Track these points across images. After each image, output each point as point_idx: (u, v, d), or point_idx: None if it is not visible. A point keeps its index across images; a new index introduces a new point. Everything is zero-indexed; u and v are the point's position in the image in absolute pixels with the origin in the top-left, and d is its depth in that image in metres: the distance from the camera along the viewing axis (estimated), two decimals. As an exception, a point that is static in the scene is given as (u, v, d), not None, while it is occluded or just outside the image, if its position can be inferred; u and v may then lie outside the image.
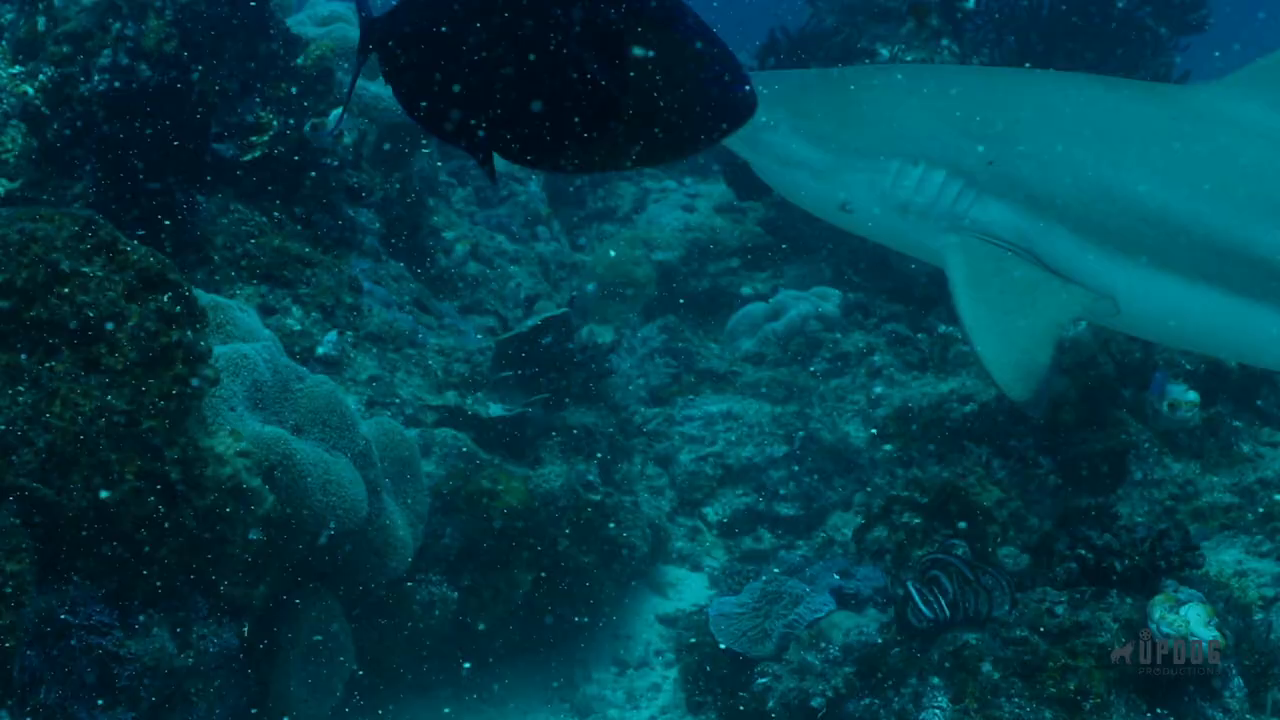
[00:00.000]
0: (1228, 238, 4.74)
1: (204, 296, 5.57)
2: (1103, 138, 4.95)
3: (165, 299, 5.07)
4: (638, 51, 2.63)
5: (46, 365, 4.84)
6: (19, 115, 7.03)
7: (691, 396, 9.50)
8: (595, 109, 2.68)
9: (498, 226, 12.13)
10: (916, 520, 6.65)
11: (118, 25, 6.69)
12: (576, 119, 2.71)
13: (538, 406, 7.25)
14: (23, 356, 4.83)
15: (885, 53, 11.35)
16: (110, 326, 4.92)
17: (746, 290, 12.02)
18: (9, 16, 8.28)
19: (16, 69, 6.89)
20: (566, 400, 7.57)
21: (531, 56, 2.68)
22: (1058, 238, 4.81)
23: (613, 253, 12.44)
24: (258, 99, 7.17)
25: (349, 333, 6.99)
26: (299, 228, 7.25)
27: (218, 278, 6.88)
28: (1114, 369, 7.64)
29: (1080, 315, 5.07)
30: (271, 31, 7.55)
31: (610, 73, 2.66)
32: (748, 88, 2.69)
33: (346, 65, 8.74)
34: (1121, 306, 4.89)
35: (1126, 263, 4.77)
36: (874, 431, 8.73)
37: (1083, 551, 5.73)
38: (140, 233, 6.71)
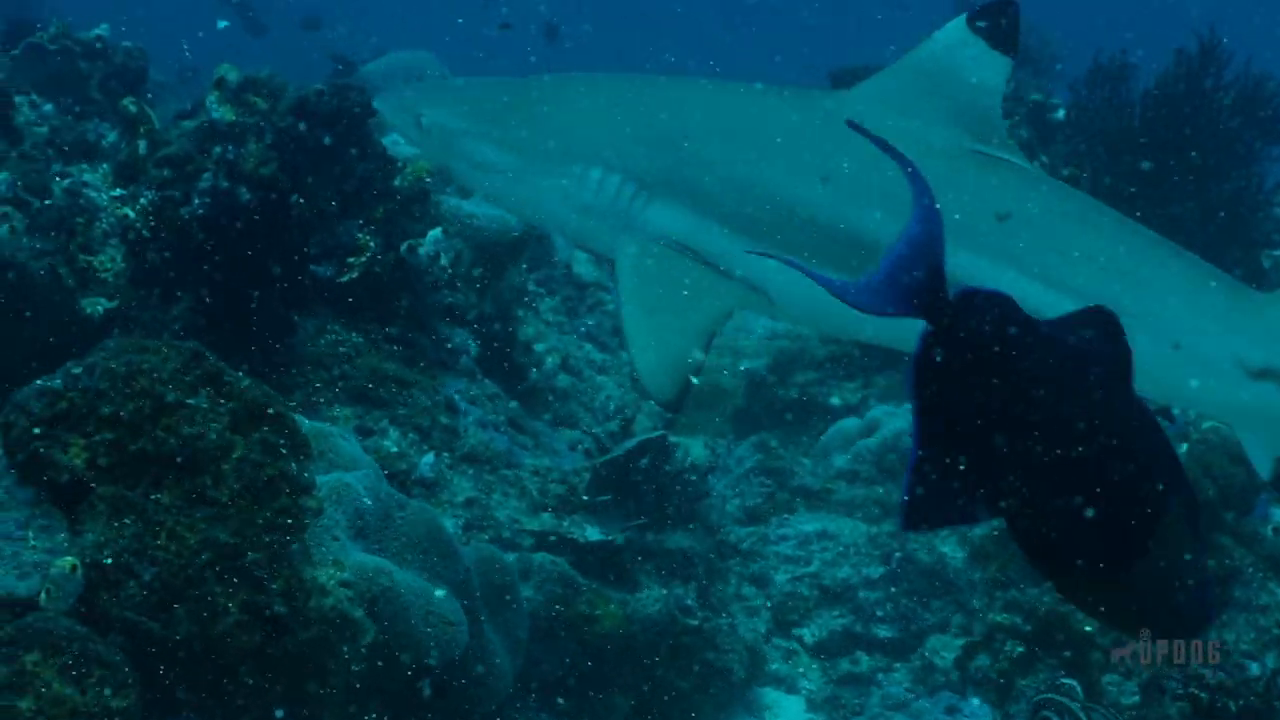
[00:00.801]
0: (859, 231, 4.99)
1: (306, 424, 5.55)
2: (752, 141, 5.24)
3: (270, 431, 5.05)
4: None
5: (152, 498, 4.83)
6: (119, 236, 7.09)
7: (786, 515, 9.41)
8: (1099, 546, 2.71)
9: (586, 335, 12.14)
10: (1020, 649, 6.53)
11: (218, 149, 6.74)
12: (1081, 543, 2.72)
13: (635, 530, 7.18)
14: (129, 489, 4.83)
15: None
16: (215, 459, 4.91)
17: (835, 400, 11.92)
18: (111, 139, 8.41)
19: (118, 191, 6.96)
20: (664, 523, 7.50)
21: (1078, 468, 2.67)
22: (719, 236, 5.09)
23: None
24: (355, 220, 7.20)
25: (445, 454, 6.97)
26: (395, 348, 7.26)
27: (315, 399, 6.88)
28: (1216, 493, 7.50)
29: (736, 308, 5.27)
30: (369, 152, 7.60)
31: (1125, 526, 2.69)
32: (1211, 610, 2.76)
33: (448, 188, 8.80)
34: (775, 299, 5.18)
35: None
36: (971, 552, 8.59)
37: (1195, 690, 5.58)
38: (239, 354, 6.74)
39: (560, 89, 5.69)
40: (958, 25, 5.24)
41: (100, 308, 7.54)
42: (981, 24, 5.19)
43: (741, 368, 12.51)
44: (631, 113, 5.38)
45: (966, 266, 4.96)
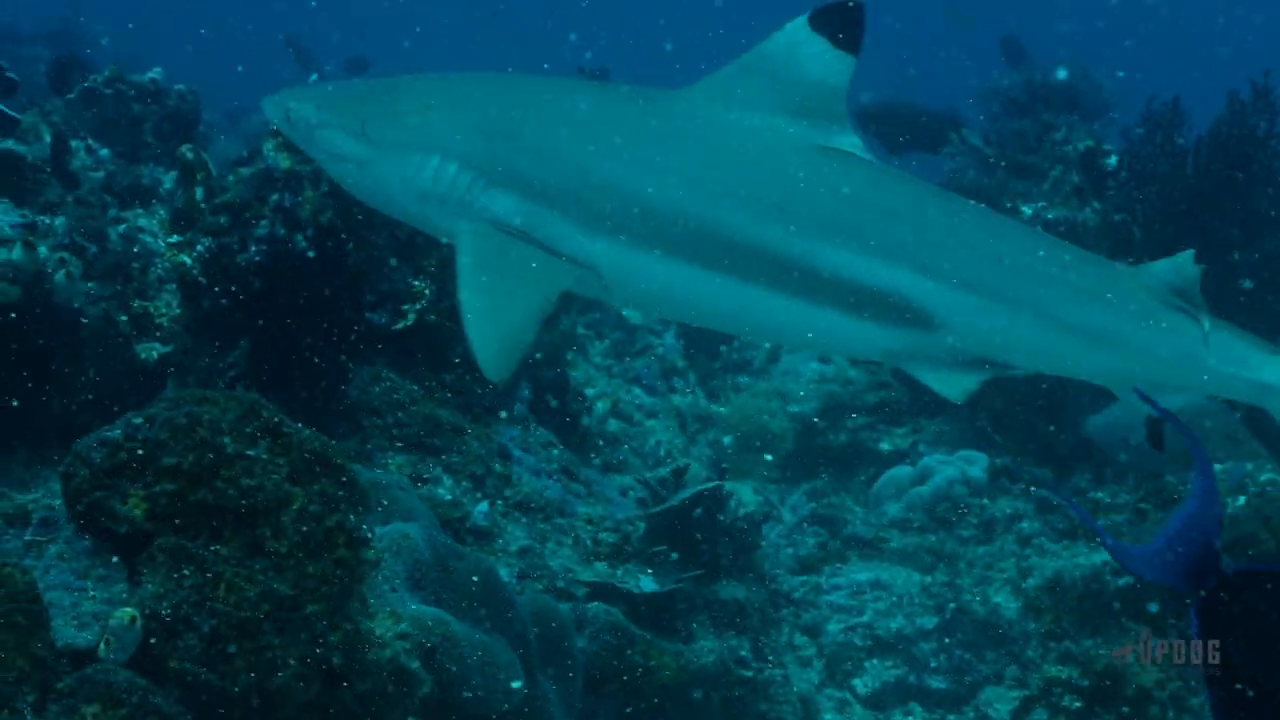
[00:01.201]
0: (686, 215, 5.25)
1: (364, 474, 5.54)
2: (589, 134, 5.45)
3: (329, 482, 5.05)
4: None
5: (212, 549, 4.82)
6: (175, 282, 7.12)
7: (839, 564, 9.36)
8: None
9: (635, 379, 12.14)
10: (1077, 704, 6.47)
11: (275, 196, 6.76)
12: None
13: (689, 581, 7.14)
14: (188, 540, 4.83)
15: (1028, 210, 11.27)
16: (275, 510, 4.90)
17: (885, 446, 11.90)
18: (168, 186, 8.45)
19: (175, 238, 6.98)
20: (717, 573, 7.46)
21: None
22: (553, 222, 5.29)
23: (748, 405, 12.37)
24: (410, 267, 7.20)
25: (499, 502, 6.95)
26: (449, 395, 7.26)
27: (370, 446, 6.88)
28: (1275, 545, 7.42)
29: (567, 288, 5.44)
30: (425, 200, 7.60)
31: None
32: None
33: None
34: (607, 280, 5.36)
35: (608, 241, 5.25)
36: (1025, 603, 8.54)
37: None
38: (293, 401, 6.75)
39: (414, 84, 5.88)
40: (799, 24, 5.38)
41: (155, 353, 7.58)
42: (825, 23, 5.34)
43: (791, 411, 12.48)
44: (474, 105, 5.63)
45: (817, 254, 5.25)
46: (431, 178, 5.41)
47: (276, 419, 5.09)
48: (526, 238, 5.32)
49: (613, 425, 10.23)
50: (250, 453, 4.95)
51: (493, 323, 5.20)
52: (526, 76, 6.05)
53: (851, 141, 5.47)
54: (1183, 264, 5.33)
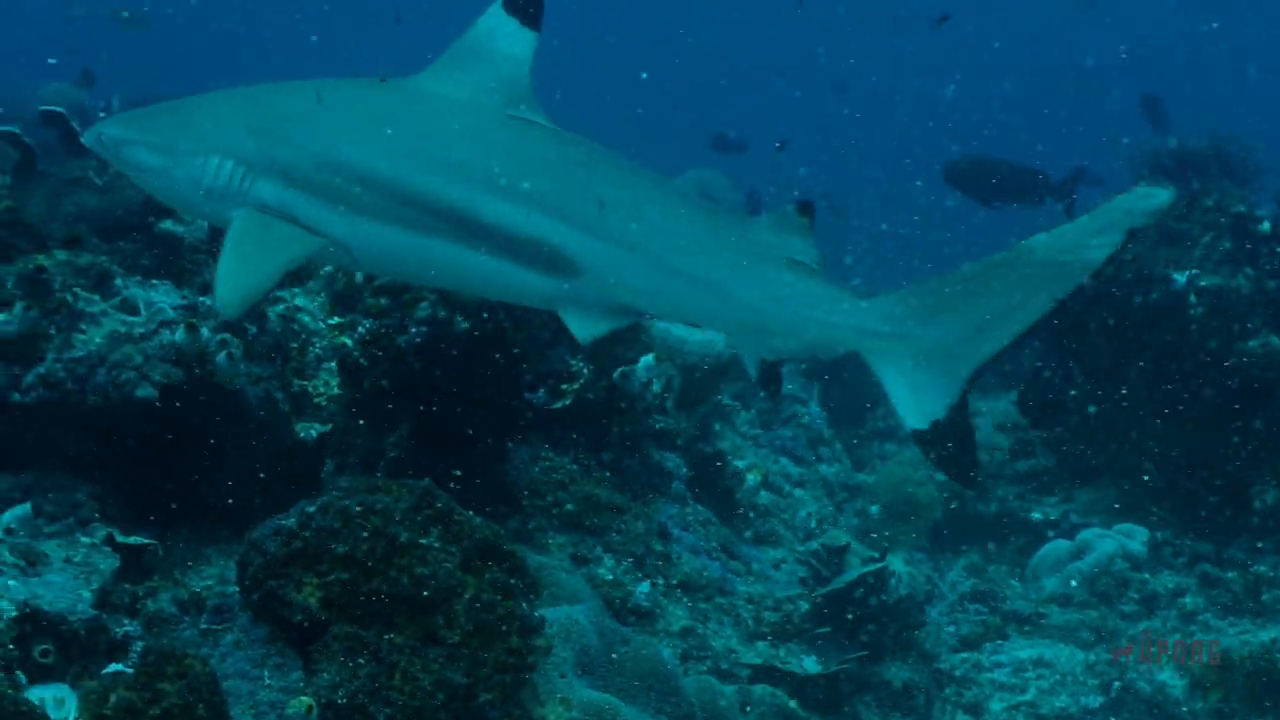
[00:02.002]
0: (400, 184, 5.83)
1: (531, 558, 5.53)
2: (329, 122, 6.07)
3: (500, 570, 5.05)
4: None
5: (386, 637, 4.83)
6: (337, 364, 7.17)
7: (999, 641, 9.18)
8: None
9: (781, 449, 12.08)
10: (1247, 783, 6.29)
11: (436, 277, 6.80)
12: None
13: (853, 662, 7.04)
14: (363, 629, 4.84)
15: (1180, 278, 11.06)
16: (448, 599, 4.89)
17: (1036, 515, 11.73)
18: (328, 269, 8.54)
19: (335, 319, 7.04)
20: (881, 653, 7.35)
21: None
22: (303, 201, 5.90)
23: (895, 474, 12.26)
24: (567, 346, 7.21)
25: (660, 581, 6.90)
26: (608, 474, 7.24)
27: (531, 526, 6.88)
28: None
29: (312, 256, 6.05)
30: (581, 279, 7.63)
31: None
32: None
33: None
34: (356, 253, 5.96)
35: (345, 214, 5.84)
36: (1191, 681, 8.33)
37: None
38: (453, 481, 6.76)
39: (206, 99, 6.48)
40: (496, 8, 6.04)
41: (314, 432, 7.64)
42: (514, 6, 6.01)
43: (939, 479, 12.34)
44: (246, 110, 6.25)
45: (493, 211, 5.79)
46: (213, 176, 5.98)
47: (448, 507, 5.10)
48: (286, 216, 5.93)
49: (763, 497, 10.16)
50: (423, 541, 4.96)
51: (237, 278, 5.78)
52: (299, 81, 6.48)
53: (534, 109, 6.07)
54: (789, 216, 5.69)
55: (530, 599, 5.08)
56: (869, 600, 7.41)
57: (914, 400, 5.44)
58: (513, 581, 5.04)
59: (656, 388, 7.66)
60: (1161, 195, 5.02)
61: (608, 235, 5.73)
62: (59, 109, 8.51)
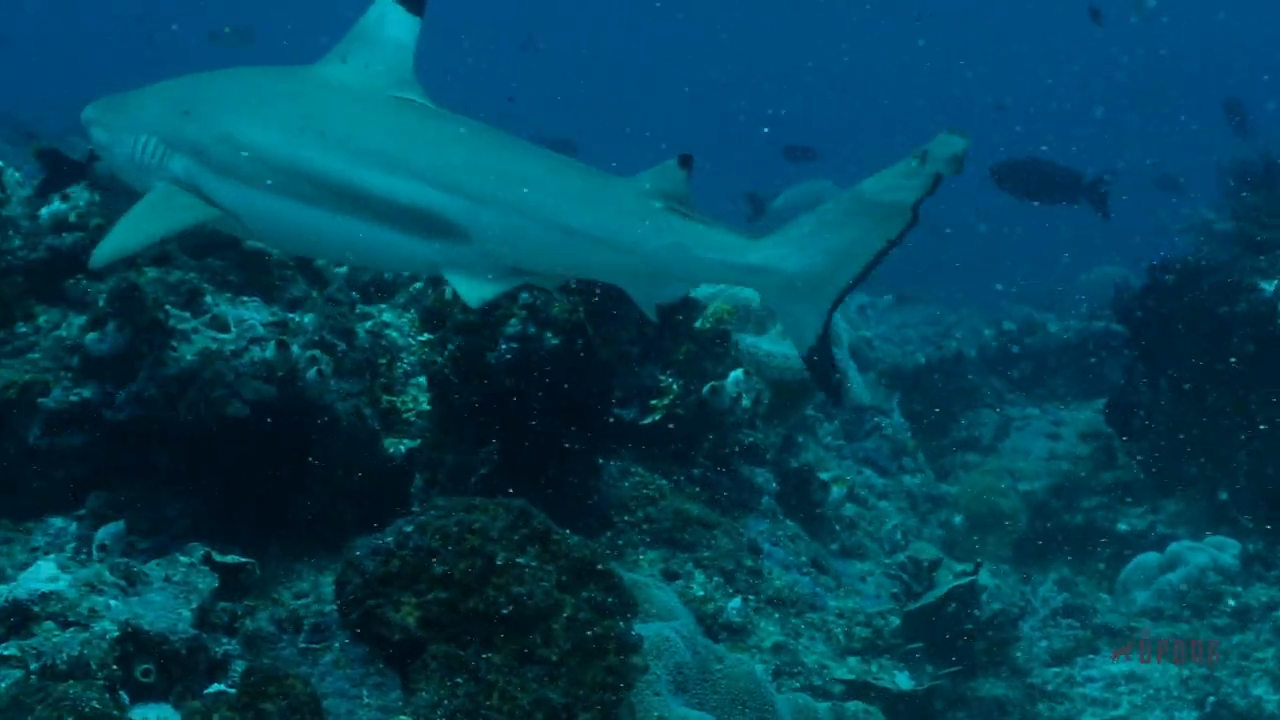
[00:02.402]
0: (284, 158, 6.23)
1: (625, 576, 5.51)
2: (232, 103, 6.56)
3: (597, 589, 5.03)
4: None
5: (484, 656, 4.82)
6: (427, 380, 7.20)
7: (1090, 655, 9.09)
8: None
9: (865, 460, 12.03)
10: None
11: (525, 295, 6.80)
12: None
13: (947, 678, 6.99)
14: (461, 648, 4.84)
15: (1269, 287, 10.93)
16: (545, 618, 4.89)
17: (1123, 527, 11.64)
18: (418, 285, 8.58)
19: (426, 336, 7.06)
20: (974, 669, 7.29)
21: None
22: (207, 177, 6.38)
23: (978, 484, 12.18)
24: (657, 362, 7.20)
25: (751, 597, 6.88)
26: (697, 489, 7.21)
27: (621, 542, 6.87)
28: None
29: (203, 222, 6.54)
30: (671, 294, 7.63)
31: None
32: None
33: (746, 326, 8.81)
34: (246, 223, 6.47)
35: (247, 190, 6.28)
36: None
37: None
38: (544, 498, 6.76)
39: (154, 85, 6.97)
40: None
41: (403, 447, 7.68)
42: None
43: (1022, 489, 12.26)
44: (176, 94, 6.76)
45: (377, 183, 6.10)
46: (140, 152, 6.55)
47: (545, 526, 5.09)
48: (192, 189, 6.42)
49: (849, 509, 10.11)
50: (520, 560, 4.95)
51: (118, 237, 6.32)
52: (229, 69, 6.96)
53: (416, 89, 6.41)
54: (669, 170, 5.94)
55: (627, 617, 5.06)
56: (961, 615, 7.35)
57: (798, 327, 5.81)
58: (610, 600, 5.02)
59: (746, 402, 7.64)
60: (958, 142, 5.25)
61: (494, 200, 6.02)
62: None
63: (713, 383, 7.38)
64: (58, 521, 7.13)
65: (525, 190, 6.03)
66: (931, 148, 5.27)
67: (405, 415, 7.84)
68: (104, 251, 6.25)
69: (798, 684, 6.64)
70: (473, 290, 6.11)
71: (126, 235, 6.35)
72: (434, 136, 6.33)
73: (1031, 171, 15.11)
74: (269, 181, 6.27)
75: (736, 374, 7.54)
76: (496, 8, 57.04)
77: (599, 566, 5.08)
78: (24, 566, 6.70)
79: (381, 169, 6.14)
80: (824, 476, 9.79)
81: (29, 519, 7.19)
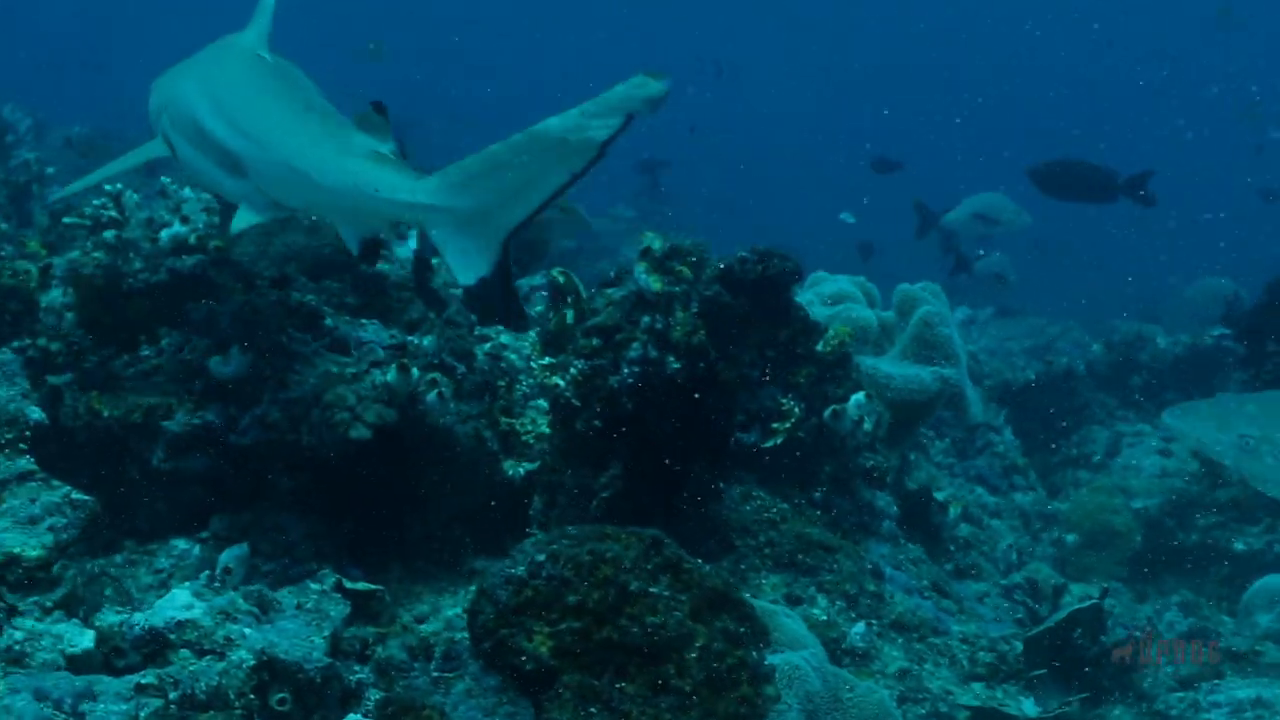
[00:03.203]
0: (189, 115, 7.17)
1: (755, 604, 5.48)
2: (191, 73, 7.49)
3: (730, 619, 5.01)
4: None
5: (617, 686, 4.81)
6: (550, 405, 7.20)
7: (1216, 680, 8.92)
8: None
9: (976, 478, 11.93)
10: None
11: (646, 319, 6.77)
12: None
13: (1075, 704, 6.89)
14: (594, 678, 4.82)
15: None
16: (678, 648, 4.87)
17: (1239, 546, 11.45)
18: (539, 309, 8.59)
19: (547, 359, 7.06)
20: (1099, 694, 7.19)
21: None
22: (169, 128, 7.39)
23: (1090, 502, 12.03)
24: (778, 385, 7.16)
25: (874, 621, 6.81)
26: (819, 513, 7.16)
27: (743, 566, 6.82)
28: None
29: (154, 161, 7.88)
30: (790, 318, 7.58)
31: None
32: None
33: (865, 347, 8.76)
34: (179, 161, 7.40)
35: (178, 137, 7.27)
36: None
37: None
38: (666, 522, 6.73)
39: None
40: None
41: (522, 470, 7.69)
42: None
43: (1135, 507, 12.10)
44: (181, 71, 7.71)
45: (214, 128, 6.93)
46: (153, 114, 7.64)
47: (676, 555, 5.08)
48: (164, 140, 7.46)
49: (963, 529, 10.02)
50: (653, 590, 4.94)
51: (104, 170, 7.87)
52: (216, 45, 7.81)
53: (264, 47, 7.16)
54: (371, 115, 6.23)
55: (760, 647, 5.04)
56: (1087, 641, 7.24)
57: (462, 261, 5.90)
58: (742, 630, 5.00)
59: (868, 426, 7.58)
60: (655, 86, 5.23)
61: (260, 142, 6.62)
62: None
63: (834, 406, 7.32)
64: (181, 544, 7.19)
65: (277, 134, 6.61)
66: (626, 89, 5.26)
67: (524, 438, 7.84)
68: (79, 184, 7.89)
69: (923, 710, 6.56)
70: (241, 220, 6.96)
71: (109, 168, 7.82)
72: (250, 87, 7.07)
73: (1068, 172, 15.34)
74: (184, 130, 7.25)
75: (858, 397, 7.48)
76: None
77: (732, 596, 5.07)
78: (149, 589, 6.80)
79: (218, 116, 6.97)
80: (939, 496, 9.71)
81: (152, 541, 7.26)
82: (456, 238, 5.86)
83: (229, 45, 7.51)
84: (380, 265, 8.68)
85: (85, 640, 5.58)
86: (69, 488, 5.76)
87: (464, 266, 5.90)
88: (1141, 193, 14.51)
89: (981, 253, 18.21)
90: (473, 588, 6.99)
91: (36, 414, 6.38)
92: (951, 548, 9.56)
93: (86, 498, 5.70)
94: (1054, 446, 14.25)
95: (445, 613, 6.70)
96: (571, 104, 5.32)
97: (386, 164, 6.08)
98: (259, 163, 6.67)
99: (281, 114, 6.81)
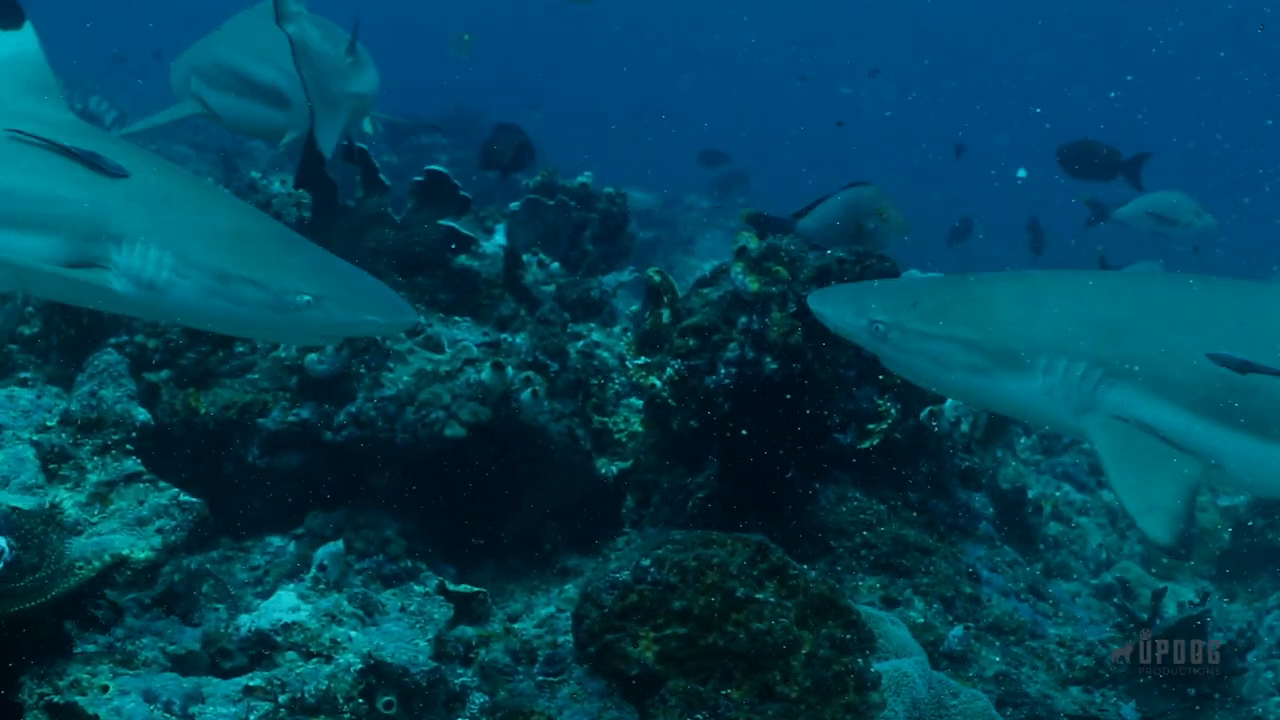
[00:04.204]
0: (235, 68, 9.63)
1: (861, 610, 5.45)
2: (224, 41, 9.86)
3: (836, 626, 4.98)
4: None
5: (723, 693, 4.80)
6: (645, 405, 7.19)
7: (1314, 684, 8.81)
8: None
9: (1063, 475, 11.80)
10: None
11: (743, 319, 6.75)
12: None
13: (1175, 712, 6.81)
14: (699, 684, 4.82)
15: None
16: (784, 654, 4.85)
17: (1330, 545, 11.26)
18: (634, 307, 8.58)
19: (642, 359, 7.03)
20: (1200, 700, 7.09)
21: None
22: (203, 87, 9.85)
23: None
24: (874, 386, 7.10)
25: (970, 624, 6.76)
26: (914, 514, 7.10)
27: (839, 568, 6.78)
28: None
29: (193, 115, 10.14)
30: (887, 317, 7.53)
31: None
32: None
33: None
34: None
35: (216, 92, 9.97)
36: None
37: None
38: (760, 522, 6.72)
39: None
40: None
41: (615, 469, 7.67)
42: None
43: (1221, 505, 11.94)
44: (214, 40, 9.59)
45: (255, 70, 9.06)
46: (178, 85, 10.24)
47: (782, 561, 5.06)
48: (195, 99, 10.11)
49: (1053, 528, 9.94)
50: (759, 596, 4.93)
51: (148, 120, 10.58)
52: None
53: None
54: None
55: (866, 654, 5.01)
56: (1192, 647, 7.14)
57: None
58: (850, 637, 4.98)
59: (964, 427, 7.52)
60: None
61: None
62: (362, 145, 8.68)
63: (931, 407, 7.26)
64: (276, 540, 7.24)
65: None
66: None
67: (617, 436, 7.83)
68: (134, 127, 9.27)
69: (1022, 715, 6.49)
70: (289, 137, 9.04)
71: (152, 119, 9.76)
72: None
73: (1083, 152, 15.76)
74: (218, 82, 8.83)
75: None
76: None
77: (839, 603, 5.04)
78: (244, 585, 6.84)
79: (263, 61, 8.28)
80: (1030, 495, 9.63)
81: (247, 538, 7.31)
82: None
83: (259, 10, 8.40)
84: (469, 261, 8.69)
85: (185, 638, 5.63)
86: (177, 489, 5.80)
87: None
88: (1136, 174, 15.31)
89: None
90: (567, 586, 7.02)
91: (143, 415, 6.42)
92: (1041, 546, 9.48)
93: (194, 500, 5.73)
94: (1141, 442, 14.09)
95: (539, 611, 6.70)
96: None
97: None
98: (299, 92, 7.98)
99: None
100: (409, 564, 6.98)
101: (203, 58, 10.04)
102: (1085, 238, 17.83)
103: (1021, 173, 24.32)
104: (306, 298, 5.83)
